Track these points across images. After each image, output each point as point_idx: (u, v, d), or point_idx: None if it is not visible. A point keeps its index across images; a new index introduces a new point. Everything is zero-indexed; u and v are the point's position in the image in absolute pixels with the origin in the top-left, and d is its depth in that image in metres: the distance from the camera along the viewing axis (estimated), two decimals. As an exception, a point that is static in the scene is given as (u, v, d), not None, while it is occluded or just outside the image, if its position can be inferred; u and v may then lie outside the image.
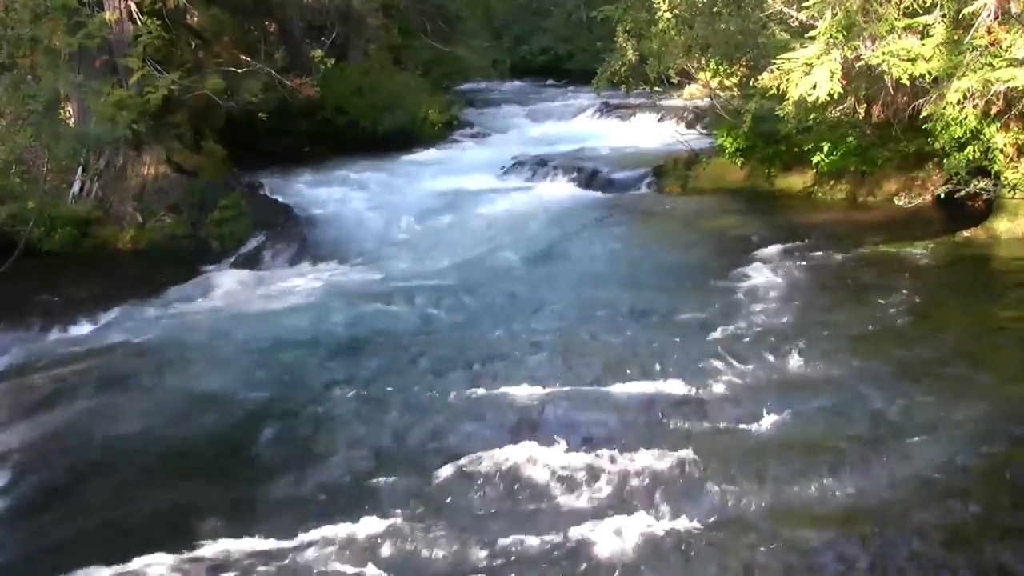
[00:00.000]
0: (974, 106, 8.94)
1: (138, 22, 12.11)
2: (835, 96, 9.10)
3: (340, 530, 5.14)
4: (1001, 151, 9.51)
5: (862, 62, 8.97)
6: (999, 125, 9.32)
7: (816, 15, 9.13)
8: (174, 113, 12.88)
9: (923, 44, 8.73)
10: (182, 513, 5.54)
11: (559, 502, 5.36)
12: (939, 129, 9.44)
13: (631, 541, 4.87)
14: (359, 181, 15.21)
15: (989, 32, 8.46)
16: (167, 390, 7.40)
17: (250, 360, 7.88)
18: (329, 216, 13.06)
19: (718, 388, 6.66)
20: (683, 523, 5.00)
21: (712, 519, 5.06)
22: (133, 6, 12.15)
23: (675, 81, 14.98)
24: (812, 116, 10.53)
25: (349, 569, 4.86)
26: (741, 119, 11.87)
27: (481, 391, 6.83)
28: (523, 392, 6.75)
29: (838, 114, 10.25)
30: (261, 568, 4.90)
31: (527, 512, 5.29)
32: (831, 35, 8.84)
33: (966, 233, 9.92)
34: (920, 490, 5.18)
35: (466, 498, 5.47)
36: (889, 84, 9.34)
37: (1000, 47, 8.43)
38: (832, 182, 12.40)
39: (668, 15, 13.19)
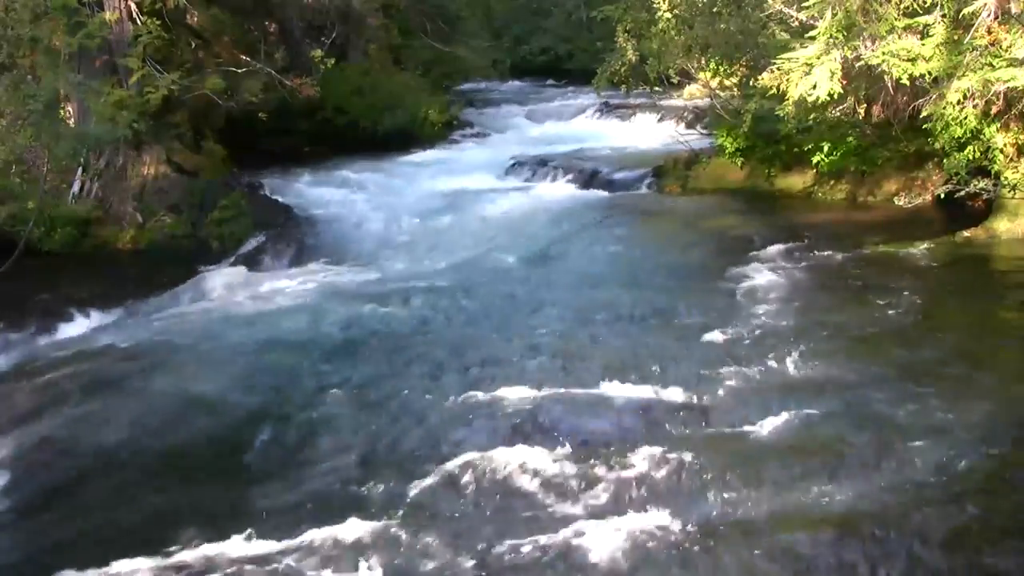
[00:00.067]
0: (974, 106, 8.93)
1: (138, 22, 12.10)
2: (835, 96, 9.10)
3: (331, 534, 5.12)
4: (1001, 151, 9.51)
5: (862, 62, 8.97)
6: (999, 125, 9.32)
7: (816, 15, 9.12)
8: (174, 113, 12.88)
9: (923, 44, 8.73)
10: (173, 517, 5.52)
11: (554, 506, 5.32)
12: (939, 129, 9.44)
13: (627, 545, 4.84)
14: (359, 181, 15.21)
15: (989, 32, 8.46)
16: (162, 392, 7.38)
17: (246, 362, 7.87)
18: (329, 216, 13.06)
19: (717, 390, 6.63)
20: (680, 527, 4.97)
21: (710, 523, 5.02)
22: (133, 6, 12.15)
23: (675, 81, 14.98)
24: (812, 116, 10.53)
25: (341, 575, 4.84)
26: (741, 119, 11.86)
27: (477, 394, 6.78)
28: (520, 395, 6.70)
29: (838, 114, 10.25)
30: (250, 572, 4.87)
31: (521, 517, 5.25)
32: (831, 35, 8.83)
33: (966, 233, 9.92)
34: (920, 493, 5.16)
35: (459, 503, 5.43)
36: (889, 84, 9.33)
37: (1000, 47, 8.43)
38: (832, 182, 12.40)
39: (668, 15, 13.19)
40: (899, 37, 8.77)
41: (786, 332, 7.62)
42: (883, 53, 8.70)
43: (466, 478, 5.62)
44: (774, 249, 9.95)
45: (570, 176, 14.97)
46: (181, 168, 12.87)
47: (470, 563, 4.87)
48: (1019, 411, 6.07)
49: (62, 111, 12.54)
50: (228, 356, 8.05)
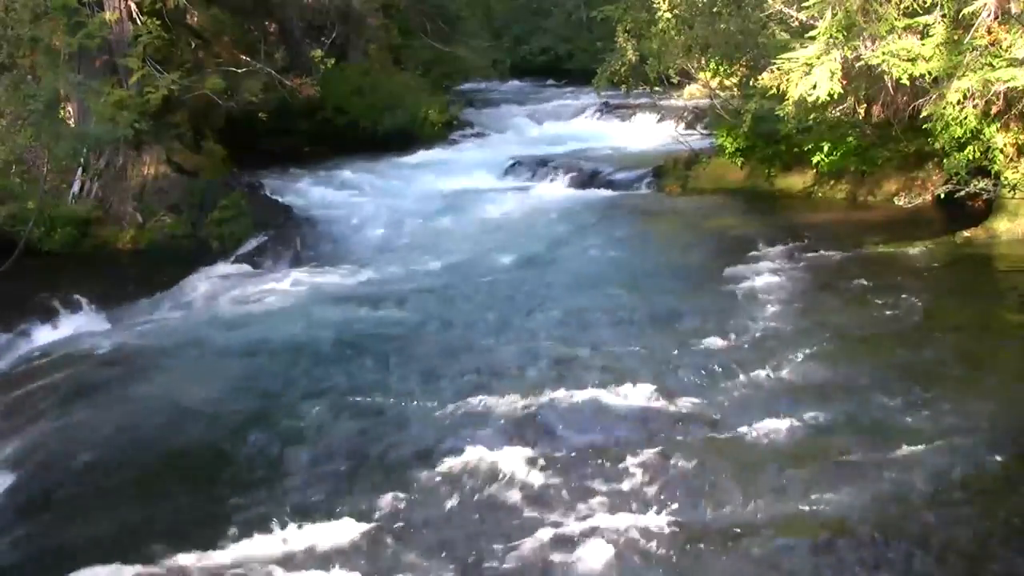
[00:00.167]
0: (974, 106, 8.93)
1: (138, 22, 12.11)
2: (835, 96, 9.09)
3: (316, 542, 5.05)
4: (1001, 151, 9.51)
5: (862, 62, 8.97)
6: (999, 125, 9.31)
7: (816, 15, 9.12)
8: (174, 113, 12.88)
9: (923, 44, 8.72)
10: (155, 524, 5.47)
11: (547, 514, 5.22)
12: (939, 129, 9.43)
13: (620, 553, 4.78)
14: (359, 181, 15.21)
15: (989, 32, 8.46)
16: (153, 396, 7.32)
17: (239, 365, 7.81)
18: (329, 216, 13.06)
19: (715, 393, 6.60)
20: (675, 535, 4.91)
21: (706, 530, 4.96)
22: (133, 6, 12.15)
23: (675, 81, 14.98)
24: (812, 116, 10.53)
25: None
26: (741, 119, 11.86)
27: (472, 399, 6.68)
28: (515, 399, 6.62)
29: (838, 114, 10.25)
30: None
31: (514, 523, 5.17)
32: (831, 35, 8.83)
33: (966, 233, 9.91)
34: (920, 498, 5.12)
35: (449, 510, 5.35)
36: (889, 84, 9.33)
37: (1000, 47, 8.42)
38: (832, 182, 12.40)
39: (668, 15, 13.19)
40: (899, 37, 8.77)
41: (786, 333, 7.61)
42: (883, 53, 8.70)
43: (457, 485, 5.55)
44: (774, 249, 9.95)
45: (570, 176, 14.97)
46: (181, 168, 12.88)
47: (458, 571, 4.80)
48: (1020, 412, 6.05)
49: (62, 111, 12.55)
50: (222, 359, 7.99)
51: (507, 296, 9.35)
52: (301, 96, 15.71)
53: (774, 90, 9.73)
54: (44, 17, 11.90)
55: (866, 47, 8.85)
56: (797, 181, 12.78)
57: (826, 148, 11.71)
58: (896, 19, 8.75)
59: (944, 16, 8.70)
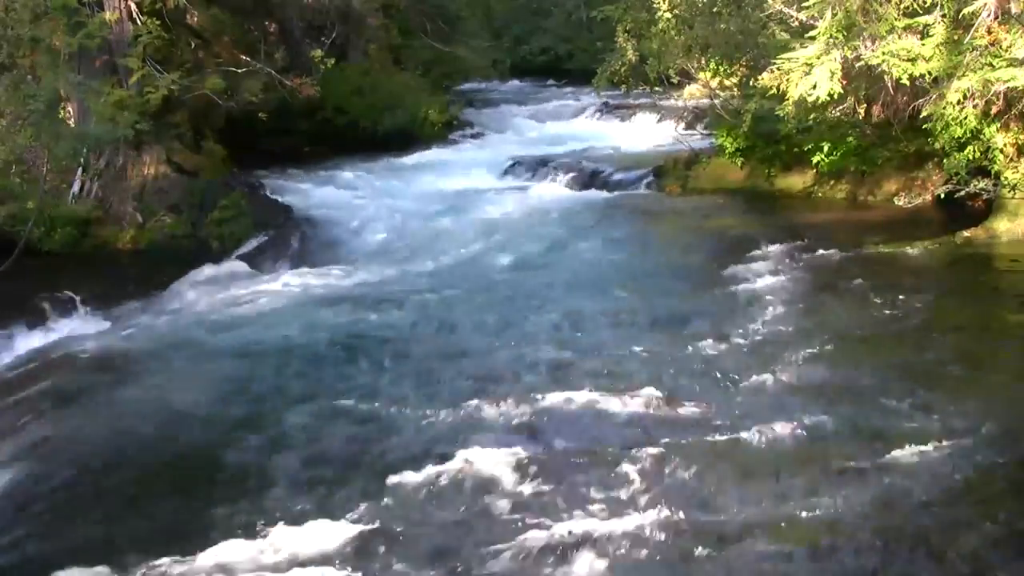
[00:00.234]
0: (974, 106, 8.93)
1: (138, 22, 12.11)
2: (835, 96, 9.10)
3: (303, 548, 4.98)
4: (1001, 151, 9.51)
5: (862, 62, 8.97)
6: (999, 125, 9.32)
7: (816, 15, 9.13)
8: (174, 113, 12.88)
9: (923, 44, 8.73)
10: (140, 529, 5.42)
11: (542, 518, 5.12)
12: (939, 129, 9.44)
13: (617, 555, 4.74)
14: (359, 181, 15.21)
15: (989, 32, 8.46)
16: (148, 398, 7.26)
17: (235, 367, 7.74)
18: (329, 217, 13.05)
19: (714, 395, 6.56)
20: (673, 537, 4.87)
21: (703, 533, 4.90)
22: (133, 6, 12.15)
23: (675, 81, 14.97)
24: (812, 116, 10.53)
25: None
26: (741, 119, 11.87)
27: (468, 402, 6.60)
28: (512, 402, 6.56)
29: (838, 114, 10.25)
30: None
31: (509, 527, 5.08)
32: (831, 35, 8.84)
33: (966, 233, 9.91)
34: (920, 502, 5.08)
35: (443, 516, 5.25)
36: (889, 84, 9.34)
37: (1000, 47, 8.42)
38: (832, 182, 12.40)
39: (668, 15, 13.19)
40: (899, 37, 8.78)
41: (786, 334, 7.60)
42: (883, 53, 8.70)
43: (450, 491, 5.48)
44: (774, 249, 9.95)
45: (570, 176, 14.97)
46: (181, 168, 12.87)
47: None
48: (1021, 413, 6.05)
49: (62, 111, 12.54)
50: (215, 361, 7.92)
51: (506, 298, 9.33)
52: (301, 96, 15.70)
53: (774, 90, 9.74)
54: (44, 17, 11.90)
55: (866, 47, 8.86)
56: (797, 181, 12.79)
57: (826, 148, 11.71)
58: (896, 19, 8.76)
59: (944, 16, 8.70)
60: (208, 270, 10.82)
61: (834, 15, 8.75)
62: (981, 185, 9.92)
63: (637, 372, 7.00)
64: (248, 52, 15.06)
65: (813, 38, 9.04)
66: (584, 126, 20.33)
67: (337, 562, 4.88)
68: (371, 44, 20.55)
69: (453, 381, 7.14)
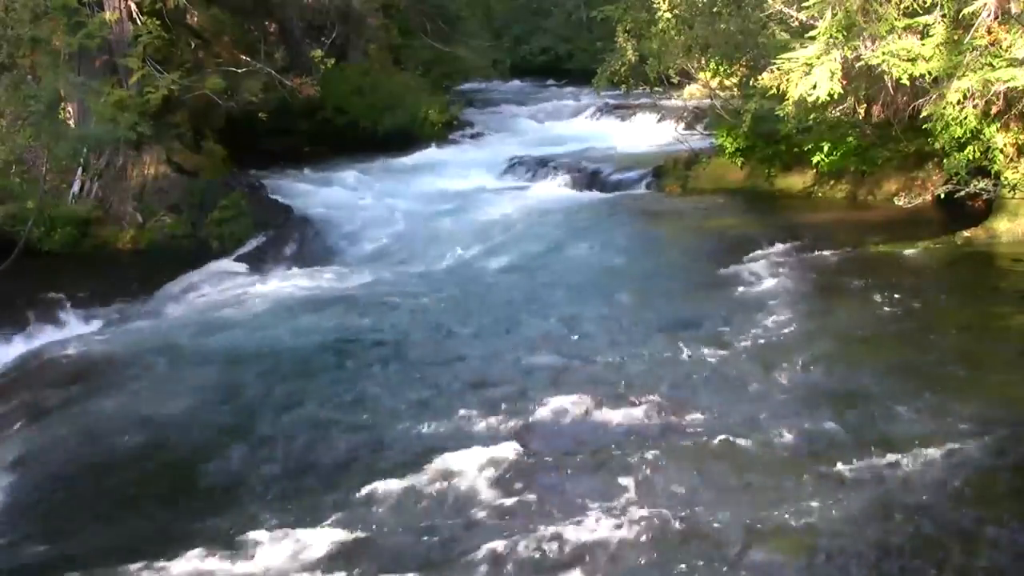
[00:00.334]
0: (974, 106, 8.93)
1: (138, 22, 12.12)
2: (835, 96, 9.09)
3: (290, 555, 4.92)
4: (1001, 151, 9.51)
5: (862, 62, 8.97)
6: (999, 125, 9.31)
7: (816, 15, 9.12)
8: (174, 113, 12.90)
9: (923, 44, 8.72)
10: (127, 537, 5.38)
11: (534, 522, 5.07)
12: (939, 129, 9.43)
13: (610, 561, 4.70)
14: (359, 181, 15.21)
15: (989, 32, 8.45)
16: (138, 401, 7.18)
17: (228, 370, 7.65)
18: (329, 217, 13.05)
19: (714, 396, 6.53)
20: (672, 540, 4.83)
21: (705, 537, 4.86)
22: (133, 6, 12.16)
23: (675, 81, 14.96)
24: (812, 116, 10.53)
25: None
26: (741, 119, 11.86)
27: (460, 408, 6.51)
28: (508, 406, 6.49)
29: (838, 114, 10.25)
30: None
31: (498, 533, 4.99)
32: (831, 35, 8.83)
33: (966, 233, 9.91)
34: (922, 502, 5.06)
35: (434, 522, 5.15)
36: (889, 84, 9.33)
37: (1000, 47, 8.42)
38: (832, 182, 12.40)
39: (668, 15, 13.18)
40: (899, 37, 8.77)
41: (785, 335, 7.59)
42: (883, 53, 8.69)
43: (438, 498, 5.39)
44: (774, 250, 9.94)
45: (570, 176, 14.96)
46: (181, 168, 12.88)
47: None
48: (1020, 413, 6.03)
49: (62, 111, 12.55)
50: (204, 366, 7.80)
51: (504, 300, 9.28)
52: (301, 96, 15.72)
53: (774, 90, 9.73)
54: (44, 17, 11.91)
55: (866, 47, 8.85)
56: (797, 181, 12.78)
57: (826, 148, 11.70)
58: (896, 19, 8.75)
59: (944, 16, 8.70)
60: (206, 271, 10.82)
61: (834, 15, 8.74)
62: (981, 185, 9.91)
63: (635, 376, 6.95)
64: (248, 52, 15.07)
65: (813, 38, 9.04)
66: (584, 126, 20.32)
67: (319, 572, 4.78)
68: (371, 44, 20.55)
69: (446, 387, 7.03)
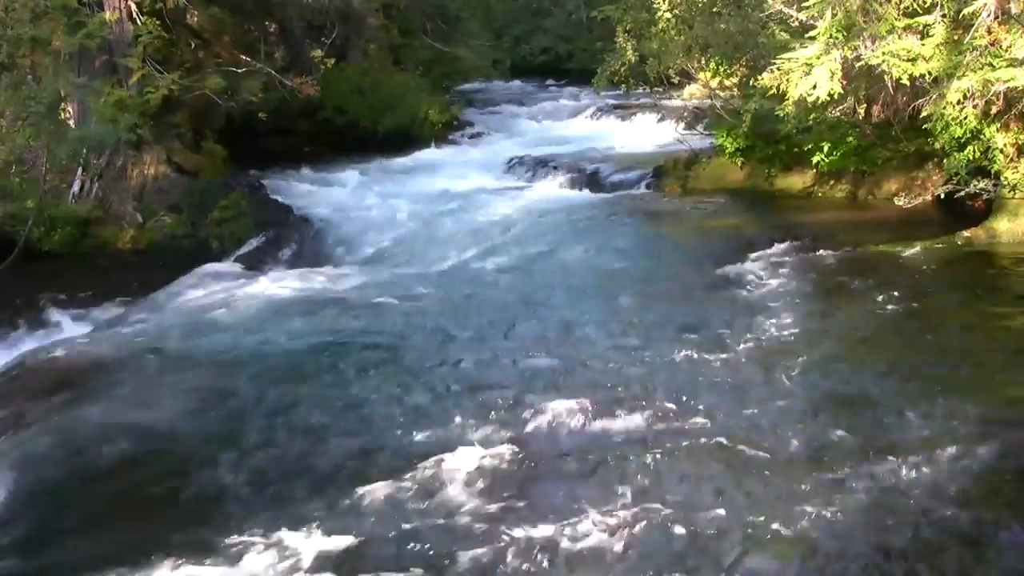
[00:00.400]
0: (974, 106, 8.93)
1: (138, 22, 12.14)
2: (835, 96, 9.09)
3: (274, 565, 4.83)
4: (1001, 151, 9.50)
5: (862, 62, 8.97)
6: (999, 125, 9.31)
7: (816, 15, 9.12)
8: (174, 113, 12.92)
9: (923, 44, 8.73)
10: (111, 547, 5.24)
11: (528, 525, 5.00)
12: (939, 129, 9.43)
13: (607, 565, 4.67)
14: (359, 181, 15.21)
15: (989, 32, 8.46)
16: (121, 408, 7.04)
17: (222, 373, 7.49)
18: (329, 217, 13.05)
19: (713, 398, 6.47)
20: (669, 543, 4.80)
21: (702, 540, 4.82)
22: (133, 6, 12.17)
23: (675, 81, 14.97)
24: (812, 116, 10.52)
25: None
26: (741, 119, 11.86)
27: (457, 412, 6.39)
28: (505, 408, 6.40)
29: (838, 114, 10.25)
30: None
31: (493, 537, 4.93)
32: (831, 35, 8.83)
33: (966, 233, 9.90)
34: (922, 505, 5.03)
35: (428, 527, 5.07)
36: (889, 84, 9.33)
37: (1000, 47, 8.42)
38: (832, 182, 12.40)
39: (668, 15, 13.19)
40: (899, 37, 8.77)
41: (786, 336, 7.57)
42: (883, 53, 8.70)
43: (433, 503, 5.30)
44: (774, 249, 9.93)
45: (569, 176, 14.96)
46: (181, 168, 12.90)
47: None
48: (1020, 414, 6.04)
49: (62, 112, 12.56)
50: (195, 369, 7.66)
51: (503, 301, 9.23)
52: (301, 96, 15.73)
53: (774, 90, 9.74)
54: (44, 17, 11.92)
55: (866, 47, 8.86)
56: (797, 181, 12.78)
57: (826, 148, 11.70)
58: (896, 19, 8.75)
59: (944, 16, 8.70)
60: (206, 271, 10.76)
61: (834, 15, 8.75)
62: (981, 185, 9.91)
63: (634, 379, 6.88)
64: (248, 52, 15.09)
65: (813, 38, 9.04)
66: (584, 126, 20.33)
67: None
68: (371, 44, 20.57)
69: (443, 390, 6.93)
